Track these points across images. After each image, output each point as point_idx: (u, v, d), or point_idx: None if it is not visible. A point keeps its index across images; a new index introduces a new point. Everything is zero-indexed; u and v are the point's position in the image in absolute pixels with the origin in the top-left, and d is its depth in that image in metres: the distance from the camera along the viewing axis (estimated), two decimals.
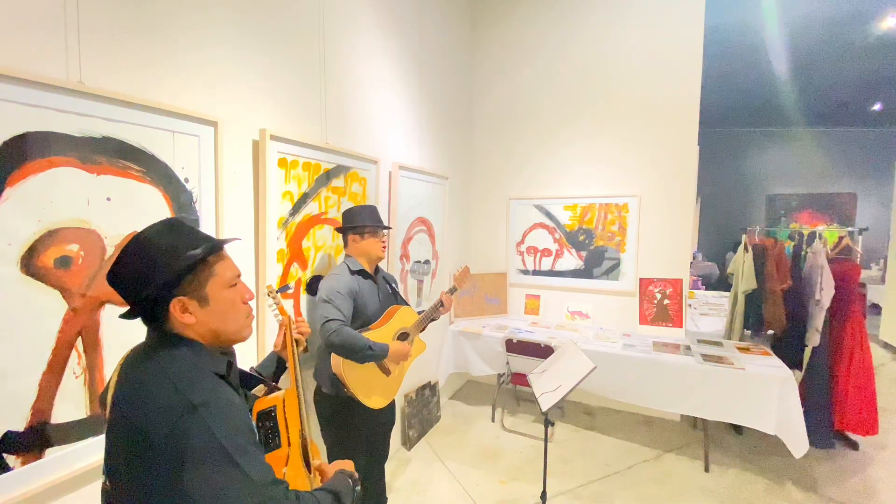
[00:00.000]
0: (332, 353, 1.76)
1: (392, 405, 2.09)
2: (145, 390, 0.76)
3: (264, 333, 1.84)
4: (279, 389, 1.06)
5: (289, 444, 1.00)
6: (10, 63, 1.09)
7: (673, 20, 3.25)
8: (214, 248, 0.85)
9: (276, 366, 1.24)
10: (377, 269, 2.04)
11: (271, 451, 0.98)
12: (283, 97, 1.95)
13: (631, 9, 3.38)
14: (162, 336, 0.83)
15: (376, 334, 1.84)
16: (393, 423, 2.17)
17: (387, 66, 2.73)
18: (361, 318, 1.87)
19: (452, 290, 2.16)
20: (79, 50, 1.22)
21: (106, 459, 0.80)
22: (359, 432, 1.90)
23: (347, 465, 1.06)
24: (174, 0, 1.48)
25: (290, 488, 0.81)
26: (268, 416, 0.97)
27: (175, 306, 0.80)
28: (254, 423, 0.91)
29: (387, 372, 1.92)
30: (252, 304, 0.96)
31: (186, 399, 0.73)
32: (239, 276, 0.90)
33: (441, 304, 2.08)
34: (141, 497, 0.73)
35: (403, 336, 1.97)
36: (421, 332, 2.06)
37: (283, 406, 1.01)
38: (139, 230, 0.83)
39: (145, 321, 0.84)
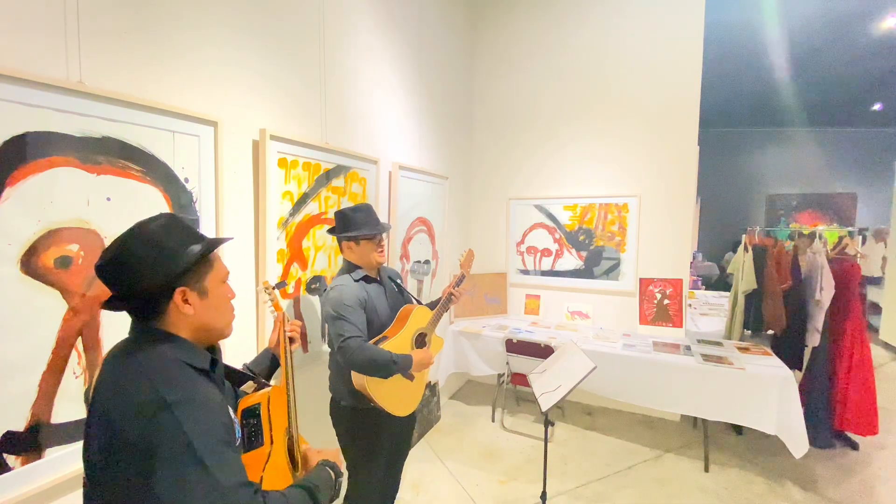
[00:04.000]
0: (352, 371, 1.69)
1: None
2: (121, 387, 0.76)
3: (264, 330, 1.84)
4: (268, 386, 1.07)
5: (272, 443, 1.00)
6: (10, 63, 1.09)
7: (673, 20, 3.25)
8: (214, 244, 0.90)
9: (270, 363, 1.26)
10: (380, 270, 1.96)
11: (254, 448, 0.97)
12: (282, 97, 1.95)
13: (631, 9, 3.38)
14: (146, 332, 0.84)
15: (394, 343, 1.75)
16: (415, 422, 2.11)
17: (387, 66, 2.73)
18: (374, 325, 1.79)
19: (461, 279, 2.05)
20: (79, 50, 1.22)
21: (83, 457, 0.80)
22: (381, 442, 1.83)
23: (332, 454, 1.05)
24: (174, 0, 1.48)
25: (263, 489, 0.80)
26: (252, 414, 0.98)
27: (178, 296, 0.83)
28: (237, 420, 0.91)
29: (410, 378, 1.85)
30: (236, 303, 0.98)
31: (161, 396, 0.72)
32: (229, 274, 0.95)
33: (451, 295, 1.99)
34: (114, 496, 0.73)
35: (421, 337, 1.89)
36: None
37: (269, 403, 1.02)
38: (135, 224, 0.85)
39: (136, 315, 0.85)
